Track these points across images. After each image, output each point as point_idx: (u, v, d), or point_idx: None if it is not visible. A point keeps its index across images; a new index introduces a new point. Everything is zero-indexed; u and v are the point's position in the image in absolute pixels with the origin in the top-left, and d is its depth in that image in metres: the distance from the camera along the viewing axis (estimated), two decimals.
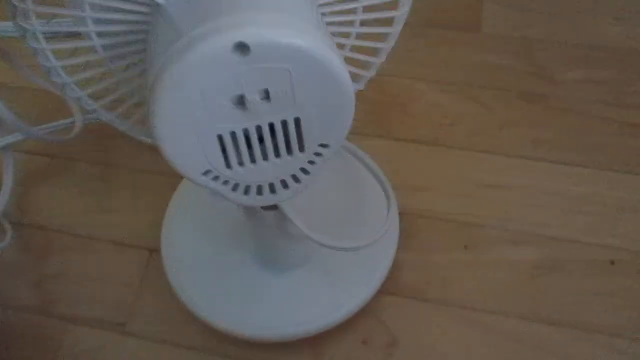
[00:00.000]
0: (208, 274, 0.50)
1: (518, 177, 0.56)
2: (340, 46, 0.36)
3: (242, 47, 0.26)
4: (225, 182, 0.32)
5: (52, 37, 0.32)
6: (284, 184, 0.34)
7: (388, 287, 0.50)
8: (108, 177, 0.58)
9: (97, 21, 0.30)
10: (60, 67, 0.33)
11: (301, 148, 0.31)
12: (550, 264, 0.51)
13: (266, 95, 0.28)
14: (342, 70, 0.29)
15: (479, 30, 0.67)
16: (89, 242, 0.55)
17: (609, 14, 0.67)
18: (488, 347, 0.48)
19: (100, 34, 0.31)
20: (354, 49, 0.37)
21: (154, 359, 0.49)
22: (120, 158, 0.59)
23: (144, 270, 0.52)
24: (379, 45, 0.38)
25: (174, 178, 0.53)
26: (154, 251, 0.53)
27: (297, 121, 0.30)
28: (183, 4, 0.29)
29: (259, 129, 0.30)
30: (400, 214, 0.52)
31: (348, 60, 0.37)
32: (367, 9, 0.34)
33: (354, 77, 0.39)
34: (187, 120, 0.28)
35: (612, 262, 0.51)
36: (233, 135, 0.30)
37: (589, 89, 0.62)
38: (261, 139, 0.31)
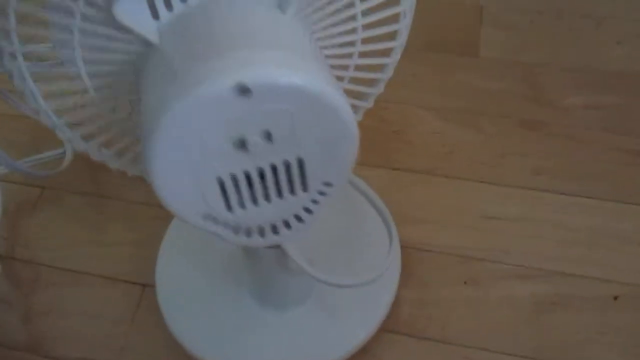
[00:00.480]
0: (204, 311, 0.49)
1: (519, 208, 0.55)
2: (340, 78, 0.35)
3: (242, 89, 0.25)
4: (226, 225, 0.31)
5: (40, 78, 0.31)
6: (287, 224, 0.32)
7: (386, 324, 0.48)
8: (100, 209, 0.57)
9: (87, 61, 0.29)
10: (50, 110, 0.32)
11: (304, 187, 0.30)
12: (553, 300, 0.50)
13: (268, 136, 0.27)
14: (344, 107, 0.28)
15: (477, 55, 0.66)
16: (80, 276, 0.53)
17: (612, 38, 0.66)
18: None
19: (90, 74, 0.30)
20: (352, 80, 0.36)
21: None
22: (113, 189, 0.58)
23: (136, 306, 0.51)
24: (377, 76, 0.37)
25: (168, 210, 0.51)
26: (147, 286, 0.52)
27: (299, 161, 0.29)
28: (178, 42, 0.28)
29: (260, 170, 0.29)
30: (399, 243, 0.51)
31: (346, 92, 0.36)
32: (365, 40, 0.33)
33: (352, 109, 0.38)
34: (185, 163, 0.27)
35: (616, 298, 0.50)
36: (234, 177, 0.29)
37: (591, 116, 0.61)
38: (263, 179, 0.30)
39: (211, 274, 0.50)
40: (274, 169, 0.29)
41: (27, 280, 0.54)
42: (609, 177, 0.56)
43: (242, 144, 0.27)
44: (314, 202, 0.31)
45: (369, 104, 0.39)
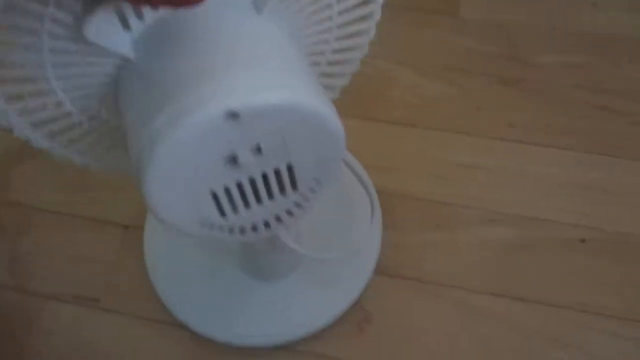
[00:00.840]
0: (190, 275, 0.50)
1: (492, 158, 0.57)
2: (317, 63, 0.36)
3: (231, 114, 0.26)
4: (221, 229, 0.32)
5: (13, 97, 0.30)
6: (278, 219, 0.33)
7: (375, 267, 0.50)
8: None
9: (60, 78, 0.29)
10: (24, 123, 0.31)
11: (294, 187, 0.31)
12: (522, 243, 0.52)
13: (258, 150, 0.28)
14: (331, 116, 0.28)
15: (457, 15, 0.67)
16: (65, 218, 0.55)
17: (586, 1, 0.68)
18: (458, 322, 0.49)
19: (65, 90, 0.30)
20: (329, 63, 0.36)
21: (128, 334, 0.49)
22: None
23: (119, 245, 0.53)
24: (355, 55, 0.38)
25: None
26: (129, 227, 0.53)
27: (289, 167, 0.30)
28: (156, 57, 0.28)
29: (251, 179, 0.30)
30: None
31: (324, 75, 0.37)
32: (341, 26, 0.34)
33: (330, 88, 0.39)
34: (179, 183, 0.28)
35: (583, 241, 0.52)
36: (226, 189, 0.30)
37: (565, 74, 0.63)
38: (253, 185, 0.30)
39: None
40: (264, 176, 0.30)
41: (14, 224, 0.55)
42: (579, 130, 0.58)
43: (233, 160, 0.28)
44: (305, 198, 0.33)
45: (344, 81, 0.40)
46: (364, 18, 0.34)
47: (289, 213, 0.33)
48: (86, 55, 0.28)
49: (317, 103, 0.27)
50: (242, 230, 0.33)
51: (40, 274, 0.52)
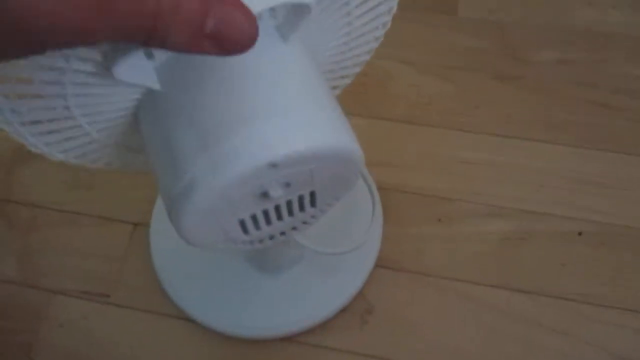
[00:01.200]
0: (197, 269, 0.51)
1: (491, 153, 0.58)
2: (332, 70, 0.37)
3: (273, 165, 0.27)
4: (243, 243, 0.34)
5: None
6: (294, 229, 0.35)
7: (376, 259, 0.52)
8: None
9: (81, 109, 0.29)
10: (39, 142, 0.31)
11: (313, 205, 0.33)
12: (520, 236, 0.53)
13: (287, 185, 0.29)
14: (357, 151, 0.30)
15: (456, 13, 0.68)
16: (74, 216, 0.56)
17: None
18: (459, 314, 0.50)
19: (88, 122, 0.30)
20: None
21: (137, 329, 0.50)
22: None
23: (128, 242, 0.54)
24: (366, 59, 0.39)
25: None
26: (138, 225, 0.54)
27: (312, 193, 0.32)
28: (185, 91, 0.27)
29: (277, 206, 0.31)
30: (377, 188, 0.54)
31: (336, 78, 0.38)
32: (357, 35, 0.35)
33: (338, 88, 0.41)
34: (211, 218, 0.29)
35: (580, 234, 0.53)
36: (253, 216, 0.31)
37: (562, 71, 0.64)
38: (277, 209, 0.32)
39: None
40: (289, 202, 0.32)
41: (23, 221, 0.56)
42: (576, 126, 0.60)
43: (264, 195, 0.29)
44: (321, 211, 0.34)
45: (351, 80, 0.41)
46: (377, 27, 0.35)
47: (305, 223, 0.35)
48: (109, 87, 0.28)
49: (346, 140, 0.29)
50: (261, 241, 0.35)
51: (49, 270, 0.53)
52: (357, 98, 0.62)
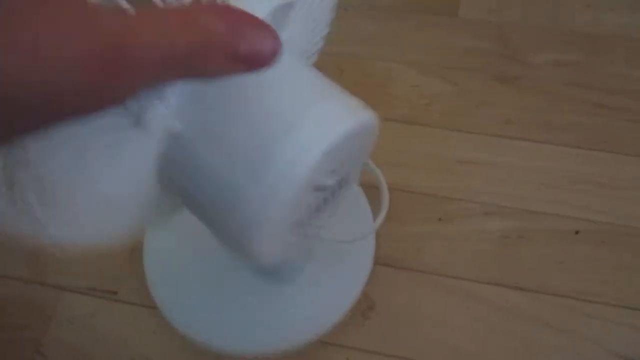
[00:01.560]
0: (194, 288, 0.50)
1: (490, 153, 0.59)
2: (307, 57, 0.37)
3: (326, 154, 0.28)
4: (297, 242, 0.34)
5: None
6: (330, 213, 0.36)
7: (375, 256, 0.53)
8: None
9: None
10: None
11: (347, 182, 0.34)
12: (519, 234, 0.54)
13: (333, 171, 0.30)
14: (373, 115, 0.31)
15: (456, 15, 0.69)
16: None
17: (581, 1, 0.70)
18: (458, 311, 0.51)
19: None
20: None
21: (144, 325, 0.51)
22: None
23: (134, 241, 0.55)
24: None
25: None
26: None
27: (347, 173, 0.33)
28: (212, 122, 0.27)
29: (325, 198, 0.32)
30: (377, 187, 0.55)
31: None
32: None
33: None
34: (284, 229, 0.30)
35: (577, 232, 0.54)
36: (315, 210, 0.32)
37: (561, 72, 0.65)
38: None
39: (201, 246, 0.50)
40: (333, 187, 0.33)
41: None
42: (574, 127, 0.61)
43: (319, 188, 0.30)
44: (350, 186, 0.35)
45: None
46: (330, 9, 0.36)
47: (325, 201, 0.35)
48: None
49: (366, 111, 0.30)
50: (306, 236, 0.35)
51: (57, 268, 0.54)
52: (361, 99, 0.63)
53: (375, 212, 0.53)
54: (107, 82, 0.16)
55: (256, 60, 0.19)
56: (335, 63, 0.65)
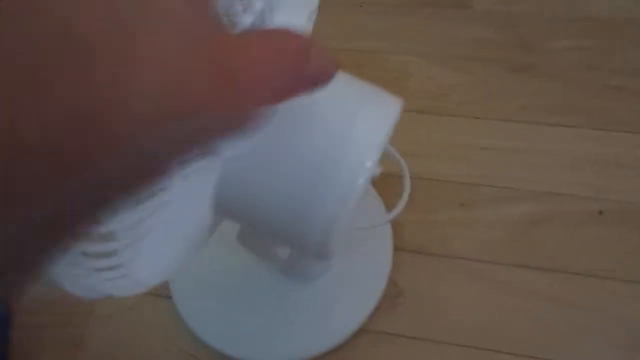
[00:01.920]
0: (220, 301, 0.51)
1: (508, 139, 0.60)
2: None
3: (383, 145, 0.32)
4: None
5: None
6: None
7: (393, 244, 0.54)
8: None
9: None
10: None
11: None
12: (542, 217, 0.55)
13: None
14: (400, 102, 0.37)
15: (471, 7, 0.71)
16: None
17: None
18: (485, 295, 0.52)
19: None
20: None
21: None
22: None
23: None
24: None
25: None
26: None
27: None
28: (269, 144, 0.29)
29: None
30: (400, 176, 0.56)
31: None
32: None
33: None
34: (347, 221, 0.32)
35: (601, 212, 0.55)
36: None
37: (575, 57, 0.66)
38: None
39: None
40: None
41: None
42: (592, 109, 0.61)
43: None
44: None
45: None
46: None
47: None
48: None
49: (393, 102, 0.34)
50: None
51: None
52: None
53: (396, 201, 0.54)
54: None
55: (320, 80, 0.19)
56: (353, 59, 0.67)
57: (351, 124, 0.30)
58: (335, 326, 0.50)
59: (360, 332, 0.51)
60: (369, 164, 0.29)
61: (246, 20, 0.22)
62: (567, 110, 0.61)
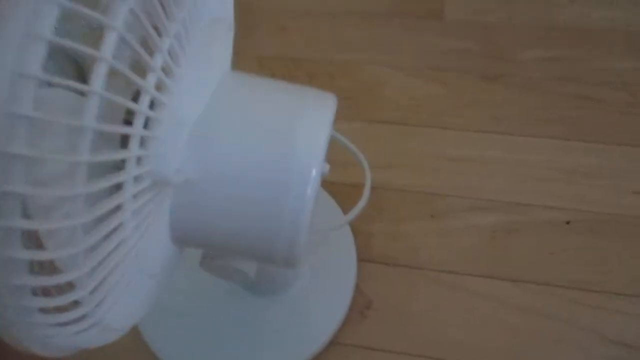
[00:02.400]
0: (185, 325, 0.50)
1: (479, 150, 0.60)
2: None
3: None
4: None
5: None
6: None
7: (362, 255, 0.54)
8: None
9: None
10: None
11: None
12: (510, 227, 0.56)
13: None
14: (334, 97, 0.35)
15: (442, 18, 0.71)
16: None
17: None
18: (454, 305, 0.52)
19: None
20: None
21: None
22: None
23: None
24: None
25: None
26: None
27: None
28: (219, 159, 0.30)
29: None
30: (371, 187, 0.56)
31: None
32: None
33: None
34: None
35: (568, 223, 0.55)
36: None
37: (546, 67, 0.66)
38: None
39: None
40: None
41: None
42: (561, 120, 0.62)
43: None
44: None
45: None
46: None
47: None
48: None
49: (329, 99, 0.34)
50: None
51: None
52: (349, 103, 0.65)
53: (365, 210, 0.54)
54: None
55: None
56: (326, 69, 0.67)
57: (292, 139, 0.30)
58: (305, 341, 0.50)
59: (331, 346, 0.51)
60: (314, 173, 0.30)
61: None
62: (537, 120, 0.62)
